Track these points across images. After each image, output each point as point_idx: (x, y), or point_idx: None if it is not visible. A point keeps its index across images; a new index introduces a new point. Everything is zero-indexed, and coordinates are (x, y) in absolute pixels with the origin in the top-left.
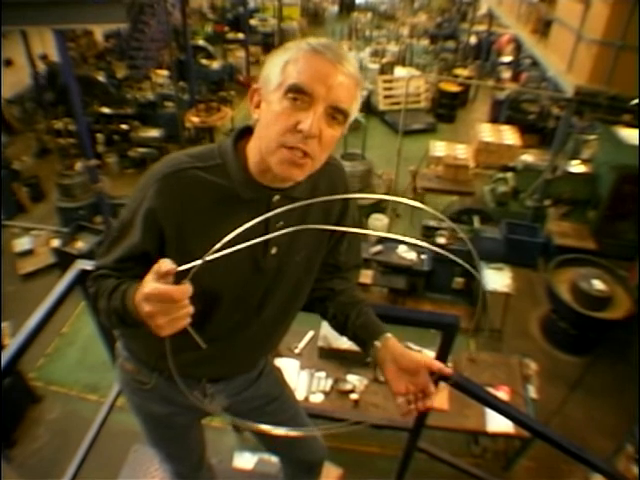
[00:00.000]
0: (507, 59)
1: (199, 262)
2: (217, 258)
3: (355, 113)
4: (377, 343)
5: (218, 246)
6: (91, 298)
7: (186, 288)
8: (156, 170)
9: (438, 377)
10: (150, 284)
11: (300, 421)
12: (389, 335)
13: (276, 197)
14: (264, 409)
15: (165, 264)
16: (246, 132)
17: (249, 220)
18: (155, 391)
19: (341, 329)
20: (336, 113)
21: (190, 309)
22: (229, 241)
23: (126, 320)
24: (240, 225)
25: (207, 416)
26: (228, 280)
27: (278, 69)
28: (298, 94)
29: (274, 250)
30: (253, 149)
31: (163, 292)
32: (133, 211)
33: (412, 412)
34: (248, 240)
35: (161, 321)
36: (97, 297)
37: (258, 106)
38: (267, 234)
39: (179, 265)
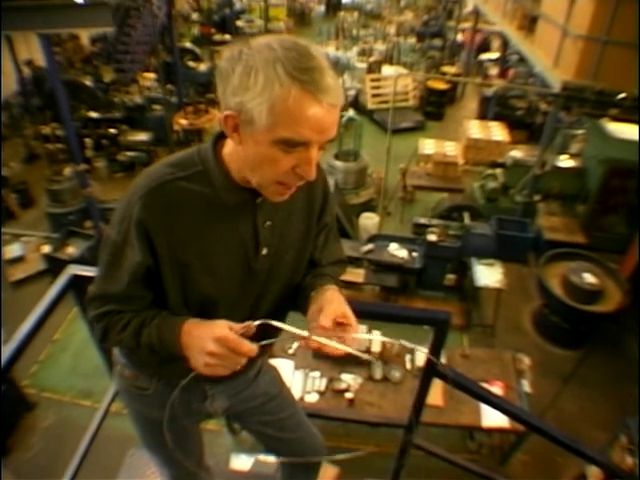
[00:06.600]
0: (494, 56)
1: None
2: (212, 264)
3: None
4: (312, 293)
5: None
6: (98, 332)
7: (253, 349)
8: (139, 185)
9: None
10: (225, 329)
11: (299, 419)
12: (329, 286)
13: (260, 199)
14: (263, 408)
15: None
16: (223, 135)
17: (237, 225)
18: (155, 396)
19: (300, 307)
20: (326, 143)
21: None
22: (223, 246)
23: (160, 353)
24: (229, 230)
25: (207, 419)
26: (223, 285)
27: (264, 108)
28: (294, 146)
29: (265, 251)
30: (234, 160)
31: (235, 342)
32: (124, 231)
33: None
34: (240, 243)
35: (212, 362)
36: (108, 332)
37: (236, 130)
38: (257, 235)
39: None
